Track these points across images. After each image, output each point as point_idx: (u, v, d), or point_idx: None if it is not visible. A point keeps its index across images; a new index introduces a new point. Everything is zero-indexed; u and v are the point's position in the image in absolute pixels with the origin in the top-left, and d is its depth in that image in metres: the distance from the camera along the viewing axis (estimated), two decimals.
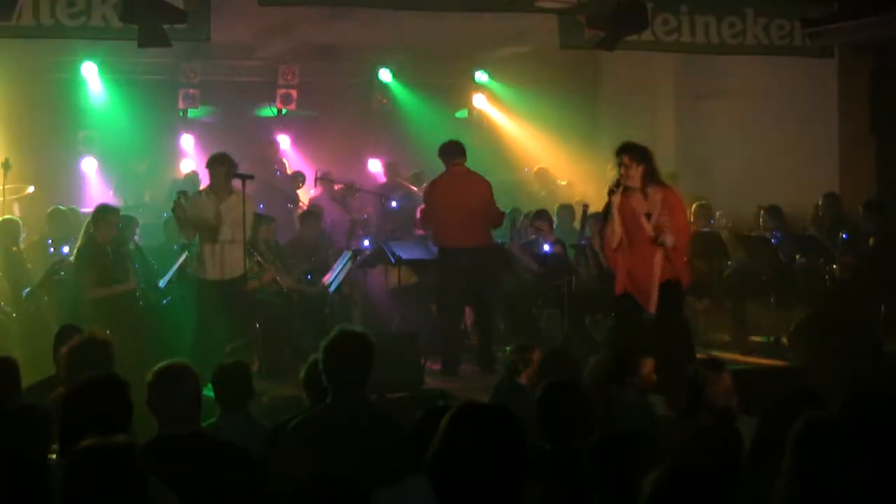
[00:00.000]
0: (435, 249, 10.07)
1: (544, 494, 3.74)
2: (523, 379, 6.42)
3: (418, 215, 9.80)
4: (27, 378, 5.36)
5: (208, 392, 5.26)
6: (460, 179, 9.38)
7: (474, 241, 9.25)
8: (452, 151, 9.46)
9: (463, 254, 9.20)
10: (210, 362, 7.41)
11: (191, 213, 8.68)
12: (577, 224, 11.38)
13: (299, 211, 12.00)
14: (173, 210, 8.76)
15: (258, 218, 10.09)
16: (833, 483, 3.28)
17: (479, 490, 2.81)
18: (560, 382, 4.50)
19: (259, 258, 9.35)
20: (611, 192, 7.54)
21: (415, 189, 13.31)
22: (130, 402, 4.05)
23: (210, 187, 8.85)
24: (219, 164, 8.72)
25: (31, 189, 12.47)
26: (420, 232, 10.67)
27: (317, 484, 3.03)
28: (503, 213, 9.71)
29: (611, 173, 7.68)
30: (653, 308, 7.50)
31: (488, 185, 9.55)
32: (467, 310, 9.95)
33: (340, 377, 4.36)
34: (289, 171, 14.21)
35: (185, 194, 8.83)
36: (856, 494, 3.29)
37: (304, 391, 5.12)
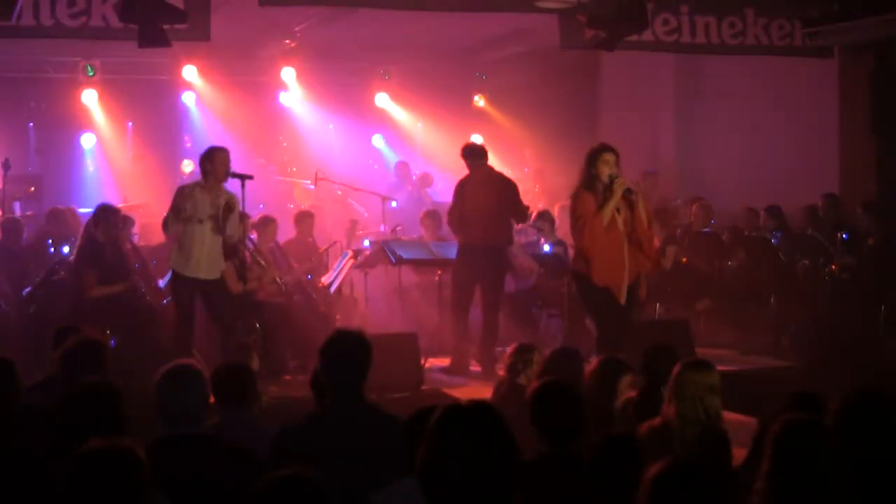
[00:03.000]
0: (436, 250, 10.09)
1: (542, 496, 3.74)
2: (523, 380, 6.41)
3: (447, 216, 9.80)
4: (28, 378, 5.35)
5: None
6: (487, 179, 9.51)
7: (497, 241, 9.40)
8: (475, 153, 9.64)
9: (484, 252, 9.27)
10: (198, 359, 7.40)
11: (188, 208, 8.41)
12: None
13: (296, 211, 11.98)
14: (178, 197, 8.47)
15: (262, 219, 10.10)
16: (811, 485, 3.26)
17: (469, 492, 2.80)
18: (554, 383, 4.49)
19: (260, 259, 9.34)
20: (610, 184, 7.61)
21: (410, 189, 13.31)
22: (125, 410, 4.02)
23: (207, 182, 8.53)
24: (217, 158, 8.51)
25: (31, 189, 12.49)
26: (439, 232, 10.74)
27: (280, 484, 3.03)
28: (528, 208, 9.84)
29: (605, 168, 7.61)
30: (623, 299, 7.70)
31: (514, 185, 9.70)
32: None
33: (338, 378, 4.35)
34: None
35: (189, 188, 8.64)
36: (835, 496, 3.27)
37: (313, 392, 5.11)
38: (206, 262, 8.48)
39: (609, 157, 7.68)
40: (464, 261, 9.44)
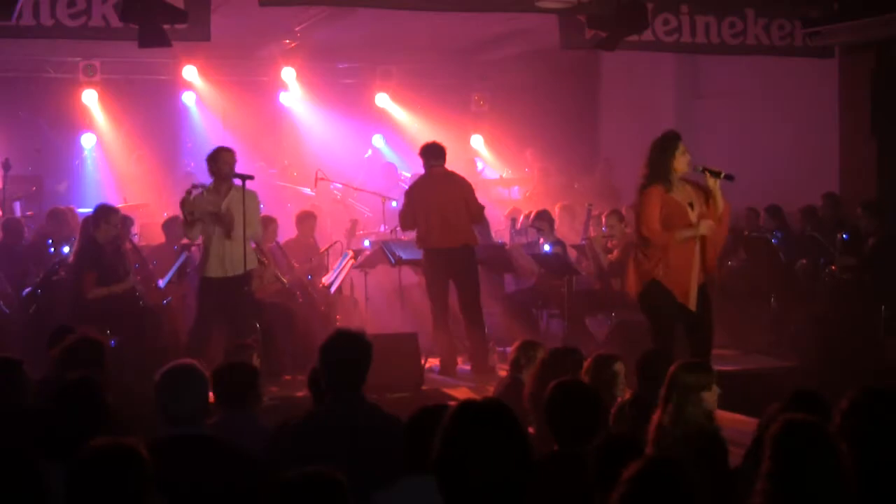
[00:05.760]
0: None
1: (552, 495, 3.73)
2: (525, 376, 6.42)
3: (399, 218, 9.80)
4: None
5: None
6: (439, 180, 9.42)
7: (457, 241, 9.29)
8: (433, 153, 9.48)
9: (447, 254, 9.24)
10: (207, 360, 7.42)
11: (198, 209, 8.49)
12: (578, 224, 11.40)
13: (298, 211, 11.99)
14: (182, 204, 8.52)
15: (262, 219, 10.07)
16: (810, 485, 3.26)
17: (486, 487, 2.81)
18: (569, 382, 4.48)
19: (262, 257, 9.35)
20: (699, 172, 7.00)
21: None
22: (106, 403, 4.02)
23: (213, 183, 8.63)
24: (221, 158, 8.57)
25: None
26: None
27: (303, 481, 3.03)
28: (483, 208, 9.73)
29: (683, 158, 7.06)
30: (693, 305, 7.06)
31: (468, 184, 9.59)
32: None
33: (338, 378, 4.36)
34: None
35: (202, 186, 8.61)
36: (836, 497, 3.27)
37: (310, 391, 5.11)
38: (230, 259, 8.53)
39: (683, 146, 7.09)
40: (431, 265, 9.40)
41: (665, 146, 7.08)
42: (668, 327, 7.10)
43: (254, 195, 8.65)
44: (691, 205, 7.07)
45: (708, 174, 7.04)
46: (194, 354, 7.06)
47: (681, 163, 7.03)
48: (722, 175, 7.01)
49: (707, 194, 7.13)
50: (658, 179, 7.03)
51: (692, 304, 7.02)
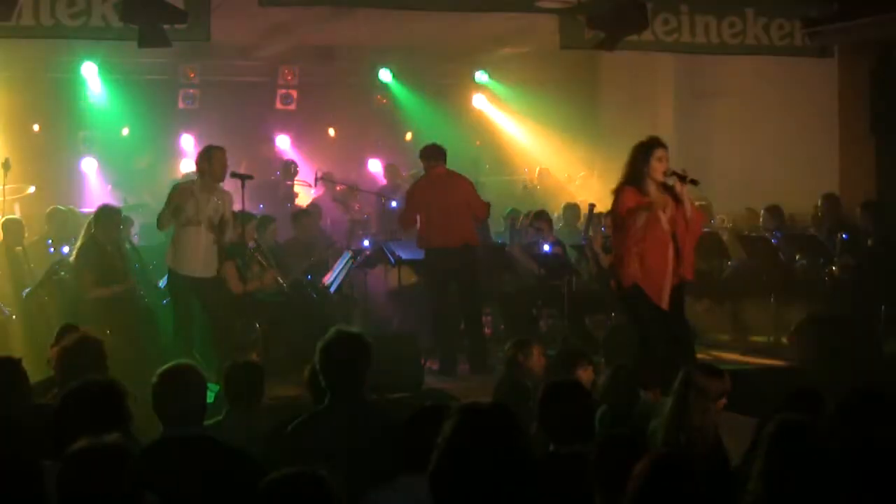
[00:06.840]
0: None
1: (547, 495, 3.74)
2: (524, 375, 6.43)
3: (398, 219, 9.83)
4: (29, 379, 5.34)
5: None
6: (440, 181, 9.45)
7: (457, 241, 9.31)
8: (433, 155, 9.53)
9: (447, 253, 9.25)
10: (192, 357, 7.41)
11: (189, 209, 8.44)
12: (580, 224, 11.39)
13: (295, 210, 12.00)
14: (174, 196, 8.46)
15: (262, 219, 10.09)
16: (803, 485, 3.26)
17: (484, 492, 2.80)
18: (563, 382, 4.50)
19: (261, 259, 9.34)
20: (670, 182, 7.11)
21: None
22: (129, 410, 4.02)
23: (203, 181, 8.58)
24: (215, 157, 8.54)
25: (31, 189, 12.49)
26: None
27: (284, 481, 3.03)
28: (488, 204, 9.76)
29: (659, 165, 7.06)
30: (665, 305, 7.14)
31: (469, 183, 9.63)
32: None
33: (337, 378, 4.35)
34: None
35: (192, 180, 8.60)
36: (828, 497, 3.27)
37: (308, 392, 5.11)
38: (203, 262, 8.50)
39: (663, 153, 7.11)
40: (431, 265, 9.43)
41: (641, 151, 7.14)
42: (655, 332, 7.13)
43: (230, 196, 8.64)
44: (664, 209, 7.13)
45: (675, 178, 7.11)
46: (183, 354, 7.06)
47: (656, 170, 7.07)
48: (688, 179, 7.09)
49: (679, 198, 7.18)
50: (631, 182, 7.12)
51: (664, 304, 7.11)
